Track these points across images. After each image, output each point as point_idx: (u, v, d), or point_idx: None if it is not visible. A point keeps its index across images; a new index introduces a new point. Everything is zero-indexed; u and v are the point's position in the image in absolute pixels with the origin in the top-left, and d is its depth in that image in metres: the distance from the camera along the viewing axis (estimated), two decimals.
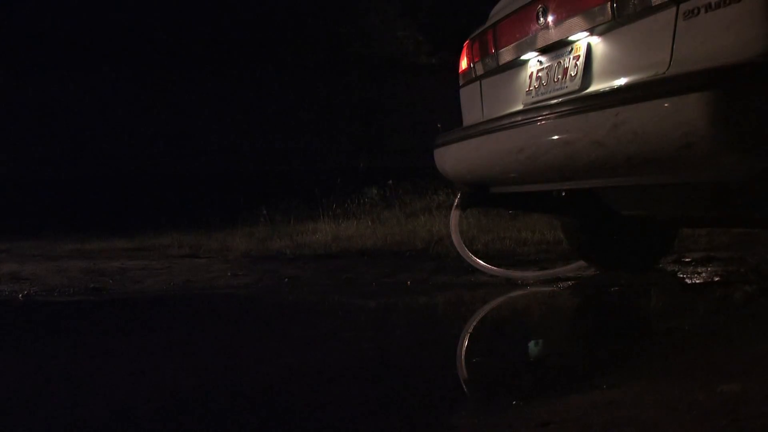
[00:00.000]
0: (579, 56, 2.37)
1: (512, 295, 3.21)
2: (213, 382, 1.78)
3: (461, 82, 3.25)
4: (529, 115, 2.47)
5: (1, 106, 12.18)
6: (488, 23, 2.98)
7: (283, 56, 13.24)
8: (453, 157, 3.06)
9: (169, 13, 12.74)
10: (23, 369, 1.97)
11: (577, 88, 2.35)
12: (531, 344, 2.23)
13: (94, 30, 12.72)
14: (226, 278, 3.79)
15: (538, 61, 2.64)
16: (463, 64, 3.20)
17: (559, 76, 2.47)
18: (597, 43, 2.30)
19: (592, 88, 2.29)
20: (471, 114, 3.15)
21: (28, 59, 12.33)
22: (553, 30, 2.48)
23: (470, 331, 2.52)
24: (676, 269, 3.47)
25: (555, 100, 2.40)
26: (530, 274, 3.58)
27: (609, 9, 2.16)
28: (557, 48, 2.50)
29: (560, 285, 3.34)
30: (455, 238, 3.41)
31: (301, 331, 2.54)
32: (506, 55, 2.82)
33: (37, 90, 12.68)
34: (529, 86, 2.67)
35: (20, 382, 1.83)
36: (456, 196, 3.33)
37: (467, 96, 3.20)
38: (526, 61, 2.72)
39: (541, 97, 2.56)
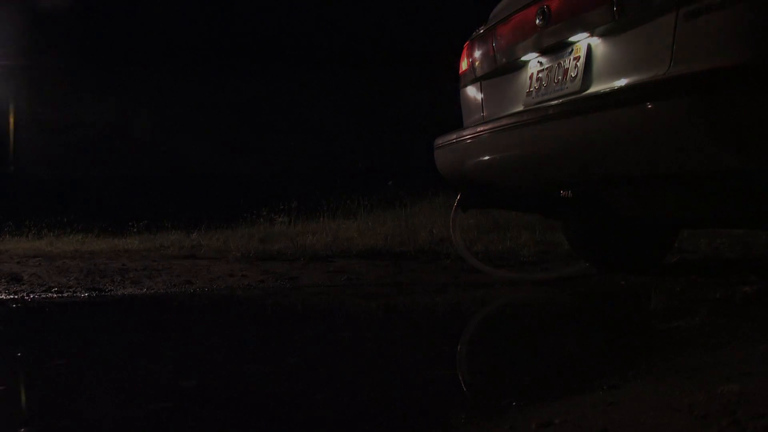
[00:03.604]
0: (579, 57, 2.37)
1: (513, 296, 3.22)
2: (212, 383, 1.78)
3: (461, 83, 3.25)
4: (530, 116, 2.47)
5: None
6: (488, 24, 2.98)
7: (284, 56, 13.24)
8: (453, 159, 3.06)
9: (158, 14, 12.75)
10: (20, 369, 1.97)
11: (577, 89, 2.35)
12: (531, 345, 2.23)
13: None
14: (226, 279, 3.79)
15: (539, 62, 2.64)
16: (464, 65, 3.20)
17: (560, 77, 2.47)
18: (597, 44, 2.30)
19: (593, 89, 2.29)
20: (471, 115, 3.15)
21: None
22: (553, 31, 2.48)
23: (471, 331, 2.53)
24: (677, 270, 3.47)
25: (555, 101, 2.40)
26: (531, 275, 3.59)
27: (610, 10, 2.17)
28: (557, 49, 2.50)
29: (561, 286, 3.34)
30: (456, 238, 3.42)
31: (301, 332, 2.54)
32: (506, 56, 2.82)
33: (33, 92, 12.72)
34: (530, 87, 2.67)
35: (18, 381, 1.83)
36: (456, 197, 3.34)
37: (467, 97, 3.20)
38: (526, 62, 2.72)
39: (541, 98, 2.56)
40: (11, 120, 13.09)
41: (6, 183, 11.96)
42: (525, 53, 2.68)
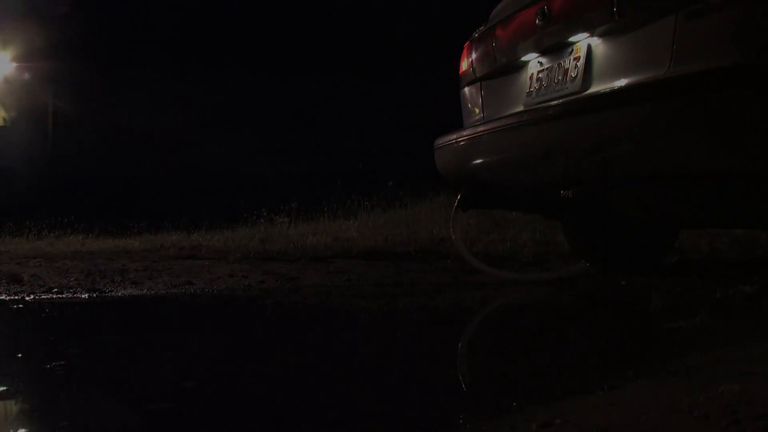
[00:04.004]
0: (579, 57, 2.37)
1: (513, 297, 3.22)
2: (213, 384, 1.78)
3: (462, 84, 3.25)
4: (530, 117, 2.47)
5: None
6: (488, 24, 2.98)
7: (285, 57, 13.23)
8: (453, 159, 3.06)
9: (168, 15, 12.76)
10: (21, 370, 1.97)
11: (577, 89, 2.35)
12: (532, 345, 2.23)
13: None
14: (227, 280, 3.79)
15: (539, 62, 2.64)
16: (464, 65, 3.20)
17: (560, 78, 2.47)
18: (597, 44, 2.30)
19: (593, 90, 2.29)
20: (471, 115, 3.15)
21: None
22: (553, 31, 2.48)
23: (471, 332, 2.53)
24: (677, 270, 3.47)
25: (555, 102, 2.40)
26: (531, 275, 3.58)
27: (610, 10, 2.17)
28: (557, 49, 2.50)
29: (561, 286, 3.34)
30: (456, 239, 3.42)
31: (302, 333, 2.54)
32: (506, 56, 2.82)
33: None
34: (530, 87, 2.67)
35: (18, 382, 1.83)
36: (456, 197, 3.34)
37: (468, 97, 3.20)
38: (526, 63, 2.72)
39: (541, 99, 2.56)
40: (50, 122, 13.31)
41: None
42: (525, 53, 2.68)
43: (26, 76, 13.25)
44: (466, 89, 3.21)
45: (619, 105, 2.04)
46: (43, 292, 3.42)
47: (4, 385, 1.78)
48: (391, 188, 7.74)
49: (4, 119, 13.48)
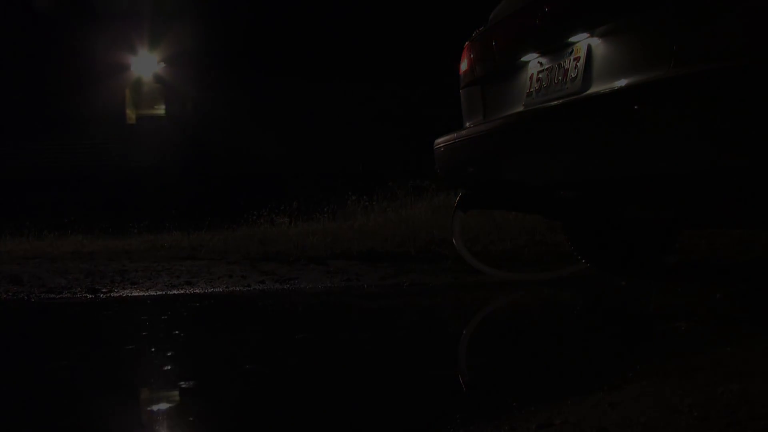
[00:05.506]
0: (579, 58, 2.37)
1: (513, 297, 3.22)
2: (212, 384, 1.78)
3: (462, 84, 3.24)
4: (530, 117, 2.47)
5: None
6: (489, 25, 2.98)
7: (284, 60, 13.25)
8: (453, 159, 3.06)
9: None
10: (20, 370, 1.98)
11: (577, 89, 2.35)
12: (531, 345, 2.23)
13: None
14: (226, 280, 3.79)
15: (539, 62, 2.64)
16: (464, 65, 3.19)
17: (560, 78, 2.47)
18: (597, 44, 2.30)
19: (593, 90, 2.29)
20: (472, 116, 3.15)
21: None
22: (553, 31, 2.48)
23: (471, 332, 2.53)
24: (677, 270, 3.47)
25: (555, 102, 2.40)
26: (531, 275, 3.58)
27: (610, 10, 2.17)
28: (557, 50, 2.50)
29: (561, 286, 3.34)
30: (456, 239, 3.41)
31: (301, 334, 2.54)
32: (506, 56, 2.82)
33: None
34: (530, 88, 2.67)
35: (18, 382, 1.83)
36: (456, 198, 3.34)
37: (468, 98, 3.19)
38: (526, 63, 2.72)
39: (541, 99, 2.56)
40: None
41: None
42: (525, 54, 2.68)
43: (171, 77, 13.74)
44: (466, 89, 3.20)
45: (619, 105, 2.04)
46: (42, 293, 3.42)
47: (4, 385, 1.78)
48: (391, 188, 7.74)
49: (137, 118, 13.96)
